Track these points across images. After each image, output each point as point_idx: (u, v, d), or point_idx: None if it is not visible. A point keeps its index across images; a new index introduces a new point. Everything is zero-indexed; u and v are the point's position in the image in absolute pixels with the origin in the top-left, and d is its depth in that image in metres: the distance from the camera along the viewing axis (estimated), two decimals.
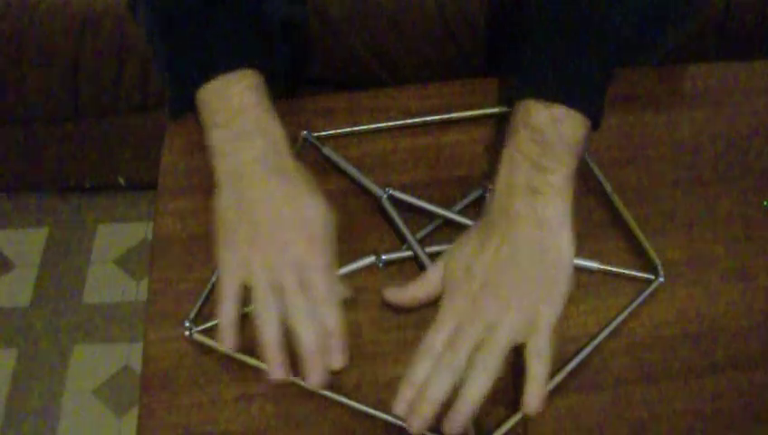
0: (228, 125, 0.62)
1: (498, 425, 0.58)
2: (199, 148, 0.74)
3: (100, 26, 1.18)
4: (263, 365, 0.59)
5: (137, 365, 1.33)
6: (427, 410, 0.54)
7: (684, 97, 0.78)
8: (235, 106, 0.61)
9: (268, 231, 0.58)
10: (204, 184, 0.71)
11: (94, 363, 1.36)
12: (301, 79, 0.96)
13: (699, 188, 0.71)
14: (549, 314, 0.56)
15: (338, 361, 0.57)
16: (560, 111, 0.59)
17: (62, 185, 1.52)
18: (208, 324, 0.63)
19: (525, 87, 0.60)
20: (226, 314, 0.58)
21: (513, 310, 0.56)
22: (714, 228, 0.69)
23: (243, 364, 0.61)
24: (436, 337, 0.56)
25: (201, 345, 0.62)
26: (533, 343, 0.56)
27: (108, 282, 1.46)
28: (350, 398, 0.59)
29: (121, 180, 1.48)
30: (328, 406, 0.59)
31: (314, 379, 0.56)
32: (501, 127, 0.74)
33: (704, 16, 1.13)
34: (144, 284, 1.43)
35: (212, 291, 0.64)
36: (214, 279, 0.64)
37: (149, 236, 1.17)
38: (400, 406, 0.55)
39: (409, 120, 0.74)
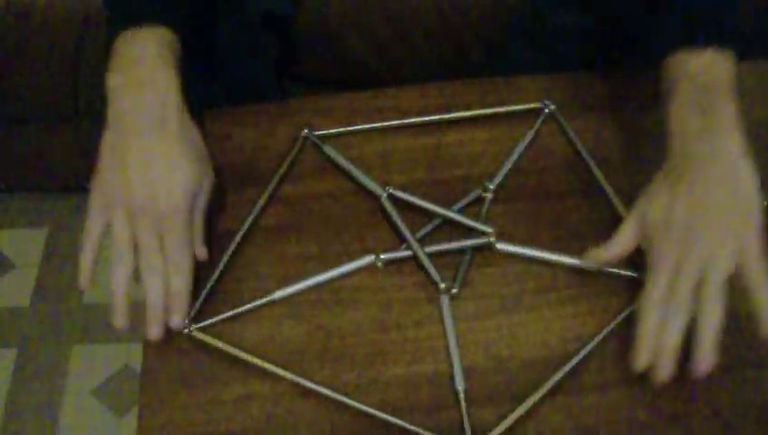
0: (124, 72, 0.63)
1: (496, 423, 0.58)
2: None
3: (100, 26, 1.18)
4: (263, 363, 0.60)
5: (137, 365, 1.33)
6: (668, 359, 0.56)
7: None
8: (135, 55, 0.63)
9: (135, 184, 0.60)
10: None
11: (94, 363, 1.36)
12: (295, 79, 0.96)
13: None
14: (756, 238, 0.58)
15: (174, 321, 0.60)
16: (712, 55, 0.62)
17: (62, 185, 1.52)
18: (208, 322, 0.63)
19: (674, 41, 0.63)
20: (85, 257, 0.62)
21: (725, 240, 0.58)
22: None
23: (243, 364, 0.61)
24: (656, 288, 0.58)
25: (200, 344, 0.62)
26: (755, 269, 0.57)
27: (108, 282, 1.46)
28: (350, 398, 0.59)
29: None
30: (328, 406, 0.59)
31: (150, 332, 0.60)
32: (501, 127, 0.75)
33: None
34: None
35: (211, 291, 0.64)
36: (214, 278, 0.64)
37: None
38: (642, 359, 0.57)
39: (409, 120, 0.74)
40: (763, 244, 0.58)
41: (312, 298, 0.64)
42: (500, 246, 0.66)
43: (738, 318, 0.63)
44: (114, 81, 0.63)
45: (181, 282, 0.60)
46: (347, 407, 0.59)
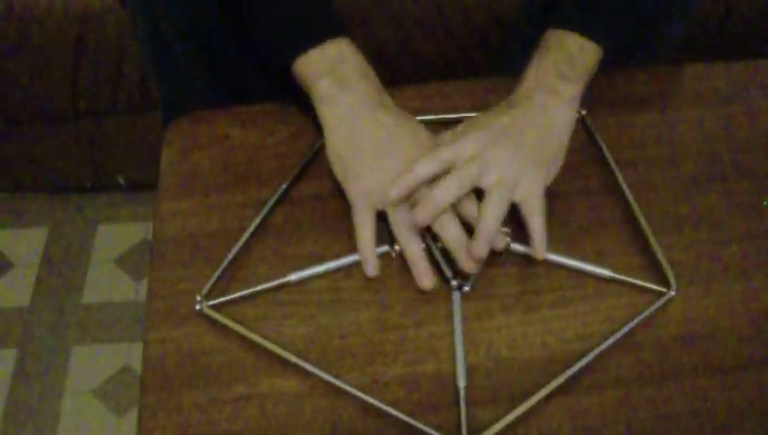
0: (332, 73, 0.67)
1: (492, 422, 0.58)
2: (199, 148, 0.74)
3: (100, 26, 1.18)
4: (274, 348, 0.60)
5: (137, 365, 1.33)
6: (431, 209, 0.63)
7: (684, 97, 0.78)
8: (334, 56, 0.67)
9: (389, 154, 0.65)
10: (204, 184, 0.71)
11: (94, 363, 1.36)
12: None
13: (699, 187, 0.71)
14: (541, 177, 0.65)
15: (472, 266, 0.64)
16: (588, 43, 0.70)
17: (62, 185, 1.52)
18: (221, 300, 0.63)
19: (567, 20, 0.71)
20: (365, 241, 0.65)
21: (516, 163, 0.64)
22: (713, 228, 0.69)
23: (243, 364, 0.61)
24: (445, 152, 0.64)
25: (210, 321, 0.62)
26: (529, 202, 0.64)
27: (108, 282, 1.46)
28: (350, 398, 0.59)
29: (121, 180, 1.48)
30: (328, 406, 0.59)
31: (467, 265, 0.63)
32: None
33: (702, 12, 1.13)
34: (144, 284, 1.43)
35: (227, 268, 0.65)
36: (230, 256, 0.65)
37: (149, 236, 1.17)
38: (396, 190, 0.63)
39: (427, 117, 0.74)
40: (545, 182, 0.66)
41: (312, 298, 0.64)
42: (514, 246, 0.66)
43: (739, 318, 0.64)
44: (325, 84, 0.67)
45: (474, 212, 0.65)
46: (347, 407, 0.59)
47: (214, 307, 0.63)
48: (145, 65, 0.88)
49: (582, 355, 0.61)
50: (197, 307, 0.63)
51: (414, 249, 0.65)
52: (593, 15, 0.71)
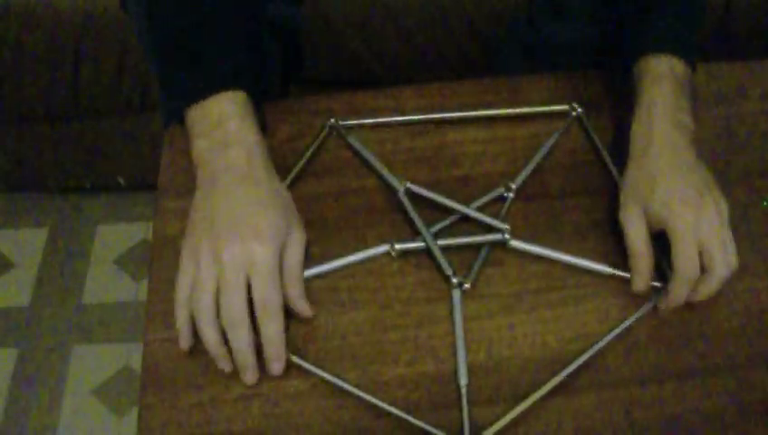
0: (207, 135, 0.64)
1: (492, 422, 0.58)
2: None
3: (100, 26, 1.18)
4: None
5: (137, 365, 1.33)
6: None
7: None
8: (215, 118, 0.64)
9: (222, 229, 0.60)
10: None
11: (94, 363, 1.36)
12: (295, 79, 0.96)
13: None
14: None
15: (275, 369, 0.60)
16: (686, 67, 0.69)
17: (62, 185, 1.52)
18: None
19: (668, 45, 0.69)
20: (179, 316, 0.60)
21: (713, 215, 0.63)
22: None
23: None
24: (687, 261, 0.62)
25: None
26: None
27: (108, 282, 1.46)
28: (350, 398, 0.59)
29: (121, 180, 1.48)
30: (328, 406, 0.59)
31: (247, 379, 0.60)
32: (520, 127, 0.74)
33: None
34: (144, 284, 1.43)
35: None
36: None
37: (149, 237, 1.17)
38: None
39: (434, 116, 0.74)
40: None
41: (312, 298, 0.64)
42: (514, 243, 0.66)
43: (738, 318, 0.64)
44: (200, 145, 0.64)
45: (273, 327, 0.59)
46: (347, 407, 0.59)
47: None
48: (147, 65, 0.88)
49: (582, 355, 0.61)
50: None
51: (208, 339, 0.60)
52: (689, 36, 0.70)
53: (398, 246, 0.66)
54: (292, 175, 0.70)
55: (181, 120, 0.67)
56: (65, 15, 1.17)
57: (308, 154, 0.72)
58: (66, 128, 1.37)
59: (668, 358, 0.62)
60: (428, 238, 0.66)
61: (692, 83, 0.69)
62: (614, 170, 0.70)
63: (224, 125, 0.64)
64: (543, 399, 0.59)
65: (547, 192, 0.70)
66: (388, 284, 0.65)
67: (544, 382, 0.60)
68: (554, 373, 0.60)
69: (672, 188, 0.63)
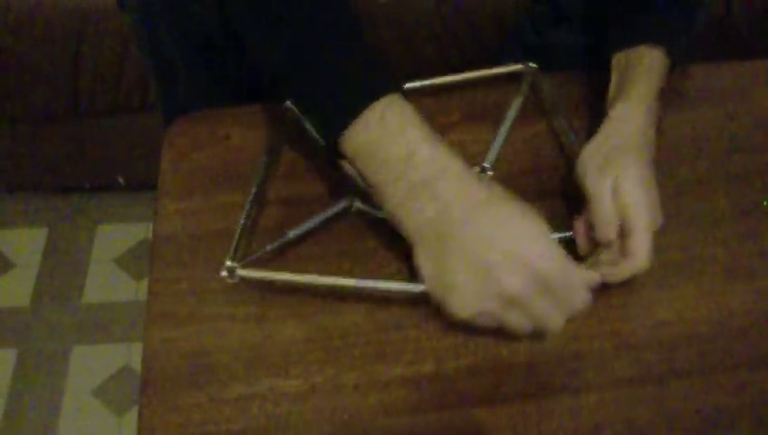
0: (394, 175, 0.57)
1: (496, 422, 0.58)
2: (199, 148, 0.74)
3: (100, 26, 1.18)
4: (314, 280, 0.62)
5: (137, 365, 1.33)
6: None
7: (684, 97, 0.78)
8: (396, 155, 0.57)
9: (499, 267, 0.55)
10: (204, 184, 0.71)
11: (94, 363, 1.36)
12: None
13: (699, 187, 0.71)
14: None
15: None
16: (666, 61, 0.69)
17: (62, 185, 1.52)
18: (252, 257, 0.64)
19: (664, 42, 0.69)
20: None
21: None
22: (714, 228, 0.69)
23: (243, 364, 0.61)
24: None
25: (248, 283, 0.63)
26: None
27: (108, 282, 1.46)
28: (350, 398, 0.59)
29: (121, 180, 1.48)
30: (328, 406, 0.59)
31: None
32: (499, 127, 0.75)
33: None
34: (144, 284, 1.43)
35: (244, 229, 0.66)
36: (243, 216, 0.66)
37: (149, 236, 1.17)
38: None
39: (417, 84, 0.74)
40: None
41: (312, 298, 0.64)
42: None
43: (738, 318, 0.64)
44: (393, 192, 0.57)
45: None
46: (347, 407, 0.59)
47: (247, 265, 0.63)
48: (145, 67, 0.88)
49: (582, 355, 0.61)
50: (224, 273, 0.63)
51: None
52: (682, 37, 0.71)
53: (356, 205, 0.67)
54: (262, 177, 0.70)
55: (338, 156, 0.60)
56: (65, 15, 1.17)
57: (275, 152, 0.71)
58: (66, 128, 1.37)
59: (668, 358, 0.62)
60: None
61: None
62: (572, 136, 0.71)
63: (412, 162, 0.56)
64: (543, 399, 0.59)
65: (547, 194, 0.71)
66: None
67: (544, 383, 0.60)
68: (555, 374, 0.60)
69: (640, 182, 0.62)
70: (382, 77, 0.59)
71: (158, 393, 0.60)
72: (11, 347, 1.38)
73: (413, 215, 0.57)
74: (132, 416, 1.28)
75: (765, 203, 0.70)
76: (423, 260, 0.57)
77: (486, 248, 0.55)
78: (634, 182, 0.62)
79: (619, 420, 0.59)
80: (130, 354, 1.36)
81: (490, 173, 0.70)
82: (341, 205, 0.68)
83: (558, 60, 0.81)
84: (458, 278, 0.56)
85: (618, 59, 0.71)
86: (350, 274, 0.65)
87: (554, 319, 0.58)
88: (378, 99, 0.57)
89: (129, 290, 1.45)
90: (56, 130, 1.37)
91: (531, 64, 0.76)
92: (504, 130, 0.72)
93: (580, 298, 0.58)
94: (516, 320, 0.57)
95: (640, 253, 0.61)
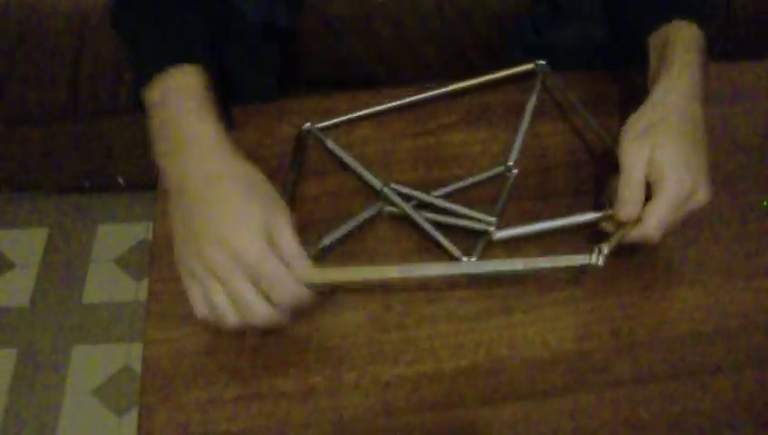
0: (166, 139, 0.62)
1: (497, 422, 0.58)
2: None
3: (100, 26, 1.18)
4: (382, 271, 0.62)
5: (137, 365, 1.33)
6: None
7: None
8: (172, 117, 0.62)
9: (209, 250, 0.57)
10: None
11: (94, 363, 1.36)
12: (295, 79, 0.96)
13: None
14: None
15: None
16: (700, 34, 0.69)
17: (62, 185, 1.52)
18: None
19: (690, 13, 0.70)
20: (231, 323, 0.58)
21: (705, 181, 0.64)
22: (714, 228, 0.69)
23: (243, 364, 0.61)
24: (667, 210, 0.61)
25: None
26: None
27: (108, 282, 1.46)
28: (350, 398, 0.59)
29: (121, 180, 1.48)
30: (328, 406, 0.59)
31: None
32: (500, 126, 0.75)
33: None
34: (144, 284, 1.43)
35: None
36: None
37: (149, 237, 1.17)
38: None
39: (407, 100, 0.75)
40: None
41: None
42: (499, 234, 0.66)
43: (738, 318, 0.64)
44: (161, 149, 0.62)
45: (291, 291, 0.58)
46: (347, 407, 0.59)
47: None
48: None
49: (582, 355, 0.61)
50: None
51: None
52: (705, 3, 0.71)
53: (387, 209, 0.68)
54: (290, 194, 0.70)
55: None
56: (65, 15, 1.17)
57: (295, 169, 0.72)
58: (66, 128, 1.37)
59: (668, 358, 0.62)
60: (418, 217, 0.67)
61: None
62: (593, 121, 0.72)
63: (181, 124, 0.62)
64: (543, 399, 0.59)
65: (546, 193, 0.71)
66: (387, 284, 0.65)
67: (544, 383, 0.60)
68: (554, 374, 0.60)
69: (681, 151, 0.62)
70: (180, 46, 0.66)
71: (158, 393, 0.60)
72: (11, 347, 1.38)
73: (167, 172, 0.62)
74: (132, 416, 1.28)
75: (765, 203, 0.70)
76: (172, 208, 0.61)
77: (202, 221, 0.58)
78: (670, 151, 0.62)
79: (618, 420, 0.59)
80: (130, 354, 1.36)
81: (515, 171, 0.71)
82: (373, 210, 0.68)
83: (558, 60, 0.81)
84: (176, 237, 0.60)
85: (653, 42, 0.70)
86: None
87: (258, 308, 0.56)
88: (171, 65, 0.63)
89: (129, 290, 1.45)
90: (56, 130, 1.37)
91: (540, 62, 0.76)
92: (523, 127, 0.73)
93: (288, 292, 0.57)
94: (220, 300, 0.57)
95: (651, 220, 0.61)
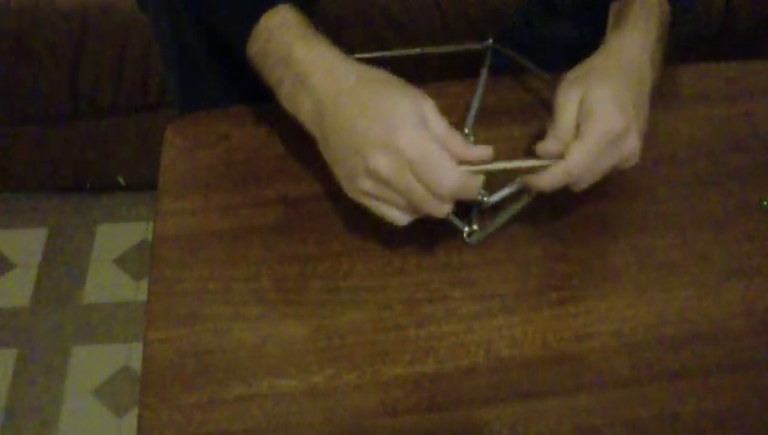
0: (285, 77, 0.62)
1: (497, 423, 0.58)
2: (199, 147, 0.74)
3: (100, 26, 1.18)
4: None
5: (137, 365, 1.33)
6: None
7: (684, 97, 0.78)
8: (281, 52, 0.62)
9: (370, 152, 0.57)
10: (204, 184, 0.71)
11: (94, 363, 1.36)
12: None
13: (699, 187, 0.71)
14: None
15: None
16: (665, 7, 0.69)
17: (62, 185, 1.52)
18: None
19: None
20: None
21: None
22: (713, 228, 0.69)
23: (243, 364, 0.61)
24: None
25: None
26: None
27: (108, 282, 1.46)
28: (350, 398, 0.59)
29: (121, 180, 1.48)
30: (328, 406, 0.59)
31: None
32: (500, 128, 0.75)
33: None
34: (144, 284, 1.43)
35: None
36: None
37: (149, 237, 1.17)
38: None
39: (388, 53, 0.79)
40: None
41: (312, 298, 0.64)
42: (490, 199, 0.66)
43: (738, 318, 0.64)
44: (283, 92, 0.63)
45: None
46: (347, 407, 0.59)
47: None
48: (165, 67, 0.87)
49: (582, 355, 0.61)
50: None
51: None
52: None
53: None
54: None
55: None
56: (65, 15, 1.17)
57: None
58: (66, 128, 1.37)
59: (668, 358, 0.62)
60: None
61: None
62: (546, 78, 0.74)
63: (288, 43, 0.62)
64: (543, 399, 0.59)
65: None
66: (388, 284, 0.65)
67: (544, 383, 0.60)
68: (554, 374, 0.60)
69: (616, 94, 0.61)
70: None
71: (158, 393, 0.60)
72: (11, 347, 1.38)
73: (299, 111, 0.62)
74: (132, 416, 1.28)
75: (765, 203, 0.70)
76: (322, 148, 0.61)
77: (353, 133, 0.58)
78: (603, 91, 0.61)
79: (618, 420, 0.59)
80: (130, 354, 1.36)
81: (471, 138, 0.72)
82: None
83: (550, 55, 0.81)
84: (337, 162, 0.60)
85: (614, 7, 0.70)
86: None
87: (428, 201, 0.58)
88: (264, 11, 0.63)
89: (129, 290, 1.45)
90: (56, 130, 1.37)
91: (488, 41, 0.78)
92: (477, 95, 0.75)
93: (450, 179, 0.57)
94: (395, 201, 0.58)
95: (574, 154, 0.59)
